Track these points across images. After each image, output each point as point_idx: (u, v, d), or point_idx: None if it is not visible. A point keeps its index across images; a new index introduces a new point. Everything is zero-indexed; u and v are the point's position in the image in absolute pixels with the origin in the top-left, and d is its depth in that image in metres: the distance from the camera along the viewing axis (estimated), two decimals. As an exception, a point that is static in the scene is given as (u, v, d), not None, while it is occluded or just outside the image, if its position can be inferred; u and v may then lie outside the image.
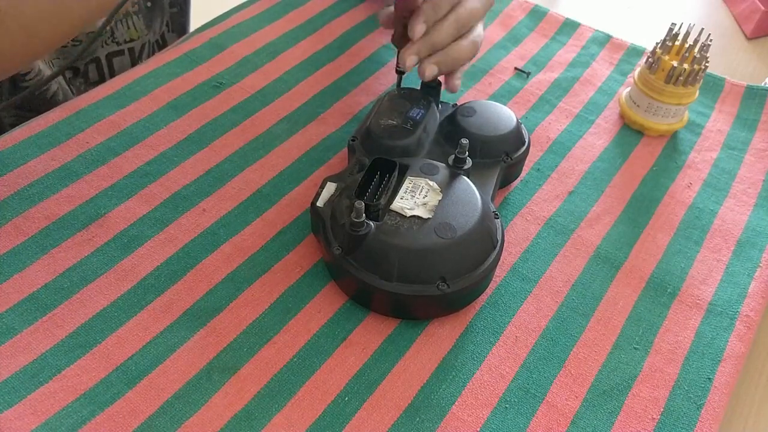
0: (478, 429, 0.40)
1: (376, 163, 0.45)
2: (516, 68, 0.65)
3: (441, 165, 0.46)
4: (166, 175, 0.51)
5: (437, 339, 0.43)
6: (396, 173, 0.45)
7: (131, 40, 0.67)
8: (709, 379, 0.43)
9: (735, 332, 0.45)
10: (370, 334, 0.43)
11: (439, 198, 0.44)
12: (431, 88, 0.53)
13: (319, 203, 0.45)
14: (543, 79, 0.64)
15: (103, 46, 0.65)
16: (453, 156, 0.47)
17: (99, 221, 0.47)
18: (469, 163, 0.46)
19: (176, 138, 0.54)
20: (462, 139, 0.46)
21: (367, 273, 0.42)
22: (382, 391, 0.41)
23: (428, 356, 0.43)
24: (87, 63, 0.65)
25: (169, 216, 0.48)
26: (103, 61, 0.66)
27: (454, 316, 0.45)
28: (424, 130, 0.50)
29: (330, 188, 0.46)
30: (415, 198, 0.43)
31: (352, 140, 0.50)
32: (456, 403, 0.41)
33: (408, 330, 0.44)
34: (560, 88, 0.64)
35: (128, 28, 0.66)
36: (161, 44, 0.74)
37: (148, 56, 0.70)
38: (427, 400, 0.40)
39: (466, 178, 0.46)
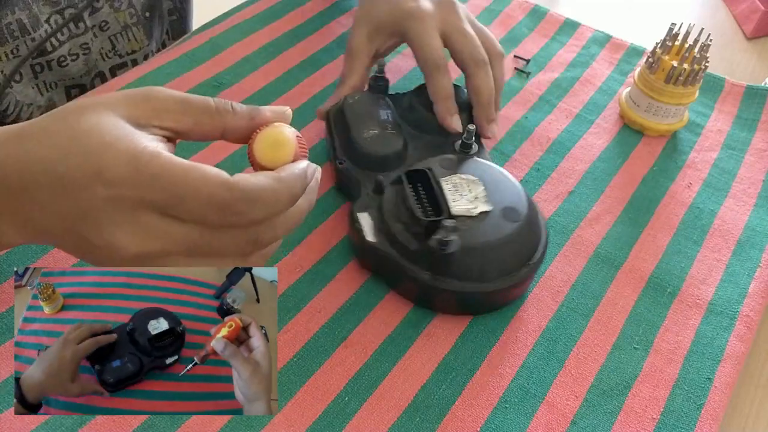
0: (478, 429, 0.40)
1: (406, 178, 0.44)
2: (516, 68, 0.65)
3: (452, 156, 0.47)
4: (166, 175, 0.51)
5: (437, 339, 0.43)
6: (433, 180, 0.44)
7: (133, 52, 0.67)
8: (709, 379, 0.43)
9: (735, 332, 0.45)
10: (370, 334, 0.43)
11: (482, 187, 0.44)
12: (379, 85, 0.53)
13: (371, 239, 0.44)
14: (543, 79, 0.64)
15: (105, 60, 0.65)
16: (459, 142, 0.48)
17: (99, 221, 0.47)
18: (475, 147, 0.48)
19: (176, 138, 0.54)
20: (469, 125, 0.48)
21: (466, 282, 0.42)
22: (382, 391, 0.41)
23: (428, 356, 0.43)
24: (93, 78, 0.65)
25: (169, 216, 0.48)
26: (108, 75, 0.66)
27: (453, 316, 0.45)
28: (400, 126, 0.50)
29: (366, 219, 0.45)
30: (465, 196, 0.44)
31: (340, 163, 0.48)
32: (456, 403, 0.41)
33: (408, 330, 0.44)
34: (560, 88, 0.64)
35: (129, 40, 0.66)
36: None
37: None
38: (427, 400, 0.40)
39: (481, 159, 0.48)
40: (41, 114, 0.38)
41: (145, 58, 0.69)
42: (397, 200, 0.44)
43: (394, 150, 0.48)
